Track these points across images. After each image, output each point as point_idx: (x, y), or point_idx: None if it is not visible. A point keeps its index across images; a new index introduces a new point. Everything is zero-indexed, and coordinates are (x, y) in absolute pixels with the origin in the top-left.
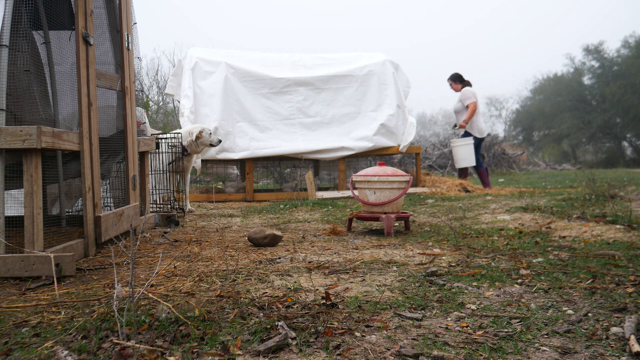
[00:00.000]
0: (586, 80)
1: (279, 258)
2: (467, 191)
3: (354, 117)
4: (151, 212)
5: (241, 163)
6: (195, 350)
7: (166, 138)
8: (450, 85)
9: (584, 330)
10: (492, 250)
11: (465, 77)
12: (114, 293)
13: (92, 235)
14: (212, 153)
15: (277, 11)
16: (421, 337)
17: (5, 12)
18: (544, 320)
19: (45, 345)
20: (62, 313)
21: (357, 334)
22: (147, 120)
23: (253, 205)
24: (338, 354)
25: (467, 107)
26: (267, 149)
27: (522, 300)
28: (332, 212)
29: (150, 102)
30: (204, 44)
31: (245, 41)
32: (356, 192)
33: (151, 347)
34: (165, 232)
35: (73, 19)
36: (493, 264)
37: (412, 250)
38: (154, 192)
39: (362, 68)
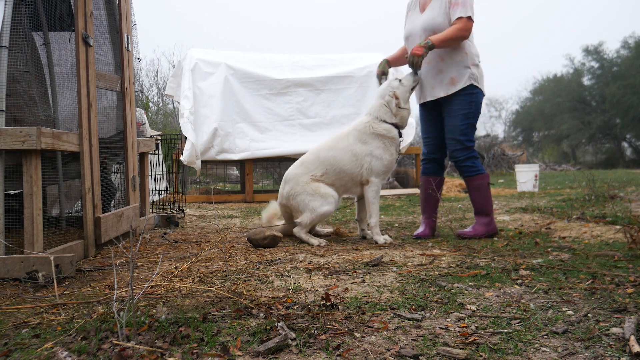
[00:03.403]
0: (586, 81)
1: (279, 259)
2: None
3: (353, 118)
4: (151, 213)
5: (241, 164)
6: (195, 351)
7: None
8: None
9: (584, 331)
10: (492, 251)
11: None
12: (113, 294)
13: (92, 236)
14: (211, 154)
15: (278, 11)
16: (421, 337)
17: (4, 13)
18: (544, 321)
19: (45, 346)
20: (62, 314)
21: (357, 334)
22: (146, 121)
23: (253, 206)
24: (338, 355)
25: None
26: (266, 150)
27: (522, 300)
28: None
29: (150, 103)
30: (204, 45)
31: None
32: None
33: (151, 348)
34: (165, 233)
35: (73, 20)
36: (493, 264)
37: (411, 251)
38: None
39: (362, 69)
